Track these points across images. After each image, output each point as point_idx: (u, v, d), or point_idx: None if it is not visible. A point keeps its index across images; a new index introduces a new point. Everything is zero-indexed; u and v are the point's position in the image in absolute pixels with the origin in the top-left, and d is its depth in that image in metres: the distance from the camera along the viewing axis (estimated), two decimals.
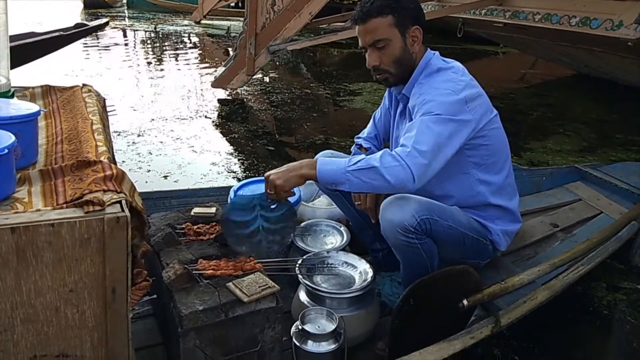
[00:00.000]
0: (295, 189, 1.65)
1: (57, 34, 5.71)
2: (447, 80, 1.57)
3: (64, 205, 1.01)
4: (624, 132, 4.88)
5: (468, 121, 1.54)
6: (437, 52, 1.69)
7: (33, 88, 1.74)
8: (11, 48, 4.81)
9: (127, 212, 1.00)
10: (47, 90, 1.73)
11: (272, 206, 1.57)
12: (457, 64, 1.67)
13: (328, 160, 1.50)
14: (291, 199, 1.65)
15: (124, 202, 1.03)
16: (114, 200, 1.02)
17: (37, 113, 1.23)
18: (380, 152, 1.47)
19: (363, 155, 1.50)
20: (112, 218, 0.98)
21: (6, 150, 0.99)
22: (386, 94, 1.92)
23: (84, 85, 1.79)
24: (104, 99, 1.79)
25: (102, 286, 1.03)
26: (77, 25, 6.11)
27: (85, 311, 1.04)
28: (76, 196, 1.02)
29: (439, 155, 1.48)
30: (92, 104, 1.60)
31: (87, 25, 6.10)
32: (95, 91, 1.76)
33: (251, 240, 1.57)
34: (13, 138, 1.04)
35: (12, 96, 1.49)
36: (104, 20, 6.65)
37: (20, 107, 1.24)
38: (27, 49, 5.44)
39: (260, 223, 1.58)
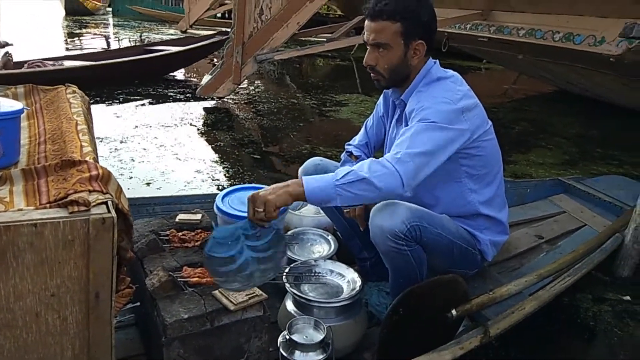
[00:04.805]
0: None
1: (217, 38, 7.22)
2: (445, 90, 1.58)
3: (48, 205, 0.97)
4: (604, 147, 4.97)
5: (463, 130, 1.54)
6: (437, 61, 1.68)
7: (16, 88, 1.69)
8: (183, 51, 6.73)
9: (113, 214, 0.96)
10: (30, 90, 1.69)
11: (257, 234, 1.42)
12: (456, 74, 1.67)
13: (315, 178, 1.44)
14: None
15: (110, 203, 0.99)
16: (99, 201, 0.98)
17: (20, 111, 1.20)
18: (367, 161, 1.44)
19: (348, 167, 1.46)
20: (97, 219, 0.95)
21: None
22: (381, 100, 1.90)
23: (68, 85, 1.75)
24: (89, 100, 1.75)
25: (85, 290, 0.99)
26: (219, 33, 7.94)
27: (67, 317, 1.00)
28: (60, 196, 0.98)
29: (430, 161, 1.47)
30: (77, 105, 1.56)
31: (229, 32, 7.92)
32: (79, 92, 1.71)
33: (242, 275, 1.39)
34: None
35: None
36: None
37: (3, 104, 1.20)
38: (195, 53, 7.11)
39: (248, 255, 1.39)
